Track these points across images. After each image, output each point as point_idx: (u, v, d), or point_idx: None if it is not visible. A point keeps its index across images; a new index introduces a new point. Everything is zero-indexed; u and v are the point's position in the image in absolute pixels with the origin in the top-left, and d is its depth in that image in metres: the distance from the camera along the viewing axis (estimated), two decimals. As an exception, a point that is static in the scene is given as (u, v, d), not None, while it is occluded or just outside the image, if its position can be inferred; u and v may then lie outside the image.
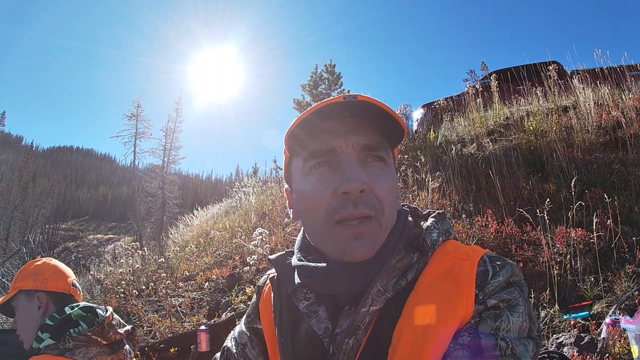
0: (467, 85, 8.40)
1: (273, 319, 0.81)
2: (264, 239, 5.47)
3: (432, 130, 7.66)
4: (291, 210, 0.83)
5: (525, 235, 4.04)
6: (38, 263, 1.61)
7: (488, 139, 6.38)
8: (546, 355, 1.98)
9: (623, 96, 6.29)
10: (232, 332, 0.97)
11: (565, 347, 2.73)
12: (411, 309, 0.65)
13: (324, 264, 0.72)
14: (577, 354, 2.61)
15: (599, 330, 2.82)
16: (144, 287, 6.02)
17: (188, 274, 6.22)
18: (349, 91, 17.79)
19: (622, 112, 5.68)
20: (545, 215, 3.68)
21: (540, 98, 6.75)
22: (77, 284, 1.65)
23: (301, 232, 0.85)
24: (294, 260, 0.79)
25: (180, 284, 5.96)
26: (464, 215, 4.57)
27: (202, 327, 4.04)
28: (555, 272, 3.40)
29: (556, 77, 6.61)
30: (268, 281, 0.90)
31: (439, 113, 8.41)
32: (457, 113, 7.88)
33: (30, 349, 1.41)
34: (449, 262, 0.69)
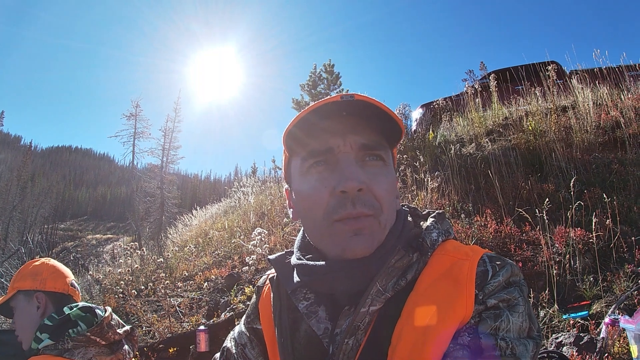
0: (466, 85, 8.40)
1: (273, 319, 0.81)
2: (262, 239, 5.47)
3: (431, 130, 7.67)
4: (291, 210, 0.84)
5: (524, 235, 4.04)
6: (37, 263, 1.61)
7: (487, 139, 6.39)
8: (546, 355, 1.98)
9: (622, 96, 6.30)
10: (231, 332, 0.97)
11: (565, 347, 2.74)
12: (411, 309, 0.64)
13: (323, 263, 0.72)
14: (576, 353, 2.61)
15: (598, 329, 2.83)
16: (142, 287, 6.01)
17: (187, 274, 6.21)
18: (347, 91, 17.79)
19: (621, 112, 5.69)
20: (544, 215, 3.68)
21: (539, 98, 6.76)
22: (76, 284, 1.65)
23: (301, 231, 0.85)
24: (293, 260, 0.79)
25: (179, 284, 5.95)
26: (463, 215, 4.57)
27: (201, 327, 4.04)
28: (555, 271, 3.40)
29: (555, 77, 6.62)
30: (267, 281, 0.89)
31: (438, 113, 8.42)
32: (456, 113, 7.89)
33: (29, 350, 1.41)
34: (448, 262, 0.69)
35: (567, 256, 3.57)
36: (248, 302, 4.34)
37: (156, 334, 4.52)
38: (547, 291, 3.27)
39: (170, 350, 4.17)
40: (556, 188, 4.67)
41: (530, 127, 6.04)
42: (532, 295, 3.31)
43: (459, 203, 5.00)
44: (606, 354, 2.59)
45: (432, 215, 0.80)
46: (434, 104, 8.81)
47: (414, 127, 9.19)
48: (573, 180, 3.96)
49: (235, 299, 4.81)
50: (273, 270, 0.88)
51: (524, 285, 0.67)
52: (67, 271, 1.65)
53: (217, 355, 0.96)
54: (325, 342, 0.70)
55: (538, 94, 6.77)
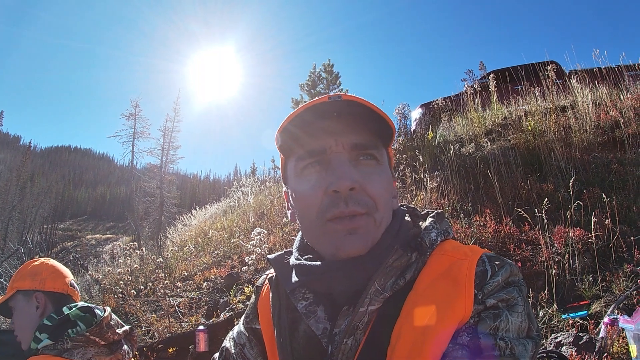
0: (466, 85, 8.40)
1: (272, 319, 0.81)
2: (262, 239, 5.47)
3: (430, 130, 7.67)
4: (289, 212, 0.84)
5: (523, 234, 4.05)
6: (36, 263, 1.61)
7: (486, 139, 6.39)
8: (545, 355, 1.99)
9: (621, 96, 6.31)
10: (230, 332, 0.97)
11: (564, 347, 2.74)
12: (410, 308, 0.64)
13: (319, 263, 0.73)
14: (575, 353, 2.61)
15: (597, 329, 2.83)
16: (142, 287, 6.00)
17: (186, 274, 6.21)
18: (347, 91, 17.83)
19: (620, 112, 5.69)
20: (543, 214, 3.69)
21: (539, 98, 6.77)
22: (75, 284, 1.65)
23: (300, 232, 0.85)
24: (292, 260, 0.79)
25: (179, 284, 5.95)
26: (462, 215, 4.57)
27: (201, 327, 4.04)
28: (554, 271, 3.40)
29: (554, 77, 6.62)
30: (266, 281, 0.89)
31: (438, 113, 8.42)
32: (455, 113, 7.89)
33: (29, 350, 1.41)
34: (447, 262, 0.69)
35: (567, 256, 3.57)
36: (247, 302, 4.34)
37: (155, 333, 4.52)
38: (546, 291, 3.28)
39: (170, 350, 4.17)
40: (555, 188, 4.67)
41: (529, 127, 6.05)
42: (531, 295, 3.31)
43: (458, 203, 5.00)
44: (605, 354, 2.60)
45: (431, 215, 0.80)
46: (434, 103, 8.81)
47: (413, 127, 9.18)
48: (572, 180, 3.96)
49: (234, 299, 4.81)
50: (272, 270, 0.88)
51: (523, 285, 0.68)
52: (66, 271, 1.65)
53: (216, 355, 0.96)
54: (324, 342, 0.69)
55: (537, 93, 6.77)
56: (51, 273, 1.58)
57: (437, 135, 7.32)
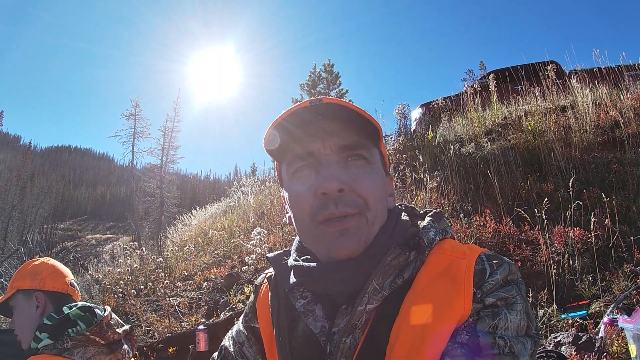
0: (466, 85, 8.39)
1: (270, 317, 0.81)
2: (262, 239, 5.46)
3: (430, 129, 7.66)
4: (287, 214, 0.85)
5: (523, 234, 4.05)
6: (36, 263, 1.61)
7: (486, 139, 6.39)
8: (544, 355, 1.99)
9: (621, 96, 6.30)
10: (229, 331, 0.97)
11: (563, 346, 2.74)
12: (409, 307, 0.65)
13: (316, 264, 0.73)
14: (575, 353, 2.61)
15: (596, 329, 2.83)
16: (142, 286, 6.01)
17: (186, 274, 6.21)
18: (347, 91, 17.83)
19: (620, 111, 5.69)
20: (543, 214, 3.69)
21: (539, 98, 6.76)
22: (75, 284, 1.65)
23: None
24: (290, 261, 0.80)
25: (179, 284, 5.95)
26: (462, 215, 4.57)
27: (201, 327, 4.04)
28: (553, 271, 3.40)
29: (554, 77, 6.62)
30: (265, 280, 0.90)
31: (438, 113, 8.41)
32: (455, 113, 7.88)
33: (29, 349, 1.41)
34: (446, 260, 0.69)
35: (566, 256, 3.57)
36: (247, 302, 4.33)
37: (155, 333, 4.53)
38: (545, 291, 3.28)
39: (170, 350, 4.17)
40: (555, 188, 4.67)
41: (529, 127, 6.05)
42: (530, 294, 3.31)
43: (458, 203, 5.00)
44: (605, 354, 2.60)
45: (430, 214, 0.81)
46: (434, 103, 8.80)
47: (413, 127, 9.18)
48: (572, 179, 3.96)
49: (234, 298, 4.81)
50: (271, 270, 0.89)
51: (522, 284, 0.68)
52: (66, 271, 1.65)
53: (215, 354, 0.96)
54: (322, 341, 0.70)
55: (537, 93, 6.77)
56: (51, 273, 1.58)
57: (437, 135, 7.32)
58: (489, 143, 6.20)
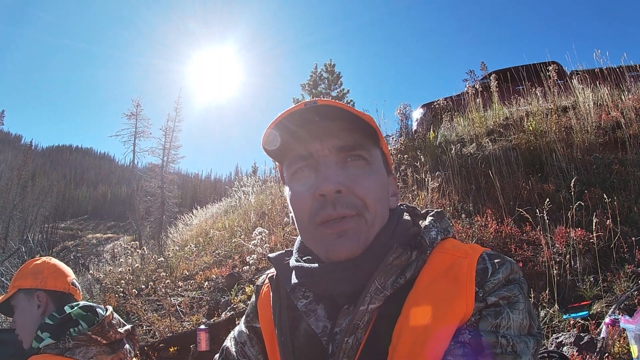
0: (467, 85, 8.40)
1: (272, 318, 0.81)
2: (263, 239, 5.46)
3: (431, 130, 7.66)
4: (290, 214, 0.85)
5: (524, 235, 4.04)
6: (38, 262, 1.61)
7: (487, 139, 6.38)
8: (546, 355, 1.98)
9: (622, 97, 6.30)
10: (231, 332, 0.97)
11: (565, 347, 2.73)
12: (411, 307, 0.65)
13: (317, 265, 0.73)
14: (576, 353, 2.61)
15: (598, 330, 2.83)
16: (143, 286, 6.01)
17: (187, 273, 6.22)
18: (348, 91, 17.83)
19: (622, 112, 5.68)
20: (544, 215, 3.68)
21: (540, 98, 6.75)
22: (77, 283, 1.65)
23: None
24: (292, 262, 0.80)
25: (180, 283, 5.95)
26: (463, 215, 4.57)
27: (202, 327, 4.04)
28: (555, 272, 3.40)
29: (556, 78, 6.61)
30: (267, 280, 0.90)
31: (439, 113, 8.40)
32: (456, 113, 7.88)
33: (30, 349, 1.41)
34: (448, 260, 0.70)
35: (568, 256, 3.57)
36: (248, 302, 4.33)
37: (157, 333, 4.53)
38: (547, 291, 3.27)
39: (171, 350, 4.17)
40: (557, 188, 4.66)
41: (530, 128, 6.04)
42: (532, 295, 3.31)
43: (459, 203, 5.00)
44: (606, 354, 2.59)
45: (431, 214, 0.81)
46: (435, 103, 8.80)
47: (414, 127, 9.17)
48: (573, 180, 3.96)
49: (235, 298, 4.81)
50: (273, 270, 0.89)
51: (524, 283, 0.68)
52: (68, 270, 1.65)
53: (217, 356, 0.96)
54: (323, 341, 0.70)
55: (539, 94, 6.76)
56: (53, 272, 1.58)
57: (439, 136, 7.31)
58: (490, 143, 6.19)
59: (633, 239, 3.60)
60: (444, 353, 0.60)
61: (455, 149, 5.90)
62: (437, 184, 5.28)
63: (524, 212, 3.94)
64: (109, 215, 79.21)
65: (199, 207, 12.69)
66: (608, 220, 3.65)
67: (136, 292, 5.47)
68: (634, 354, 2.39)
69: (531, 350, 0.60)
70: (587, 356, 2.58)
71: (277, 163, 0.85)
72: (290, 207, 0.81)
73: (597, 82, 6.81)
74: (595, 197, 4.17)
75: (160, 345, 4.23)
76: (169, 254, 7.51)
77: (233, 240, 6.76)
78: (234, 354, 0.90)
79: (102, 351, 1.40)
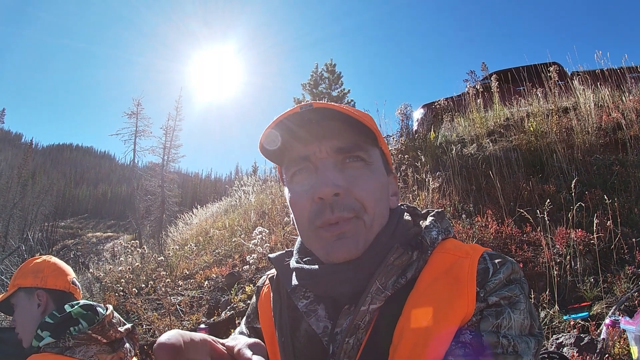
0: (468, 86, 8.39)
1: (272, 318, 0.81)
2: (263, 238, 5.46)
3: (432, 130, 7.65)
4: (291, 216, 0.85)
5: (525, 235, 4.04)
6: (38, 261, 1.61)
7: (488, 140, 6.38)
8: (546, 356, 1.98)
9: (623, 98, 6.29)
10: (232, 333, 0.97)
11: (565, 348, 2.73)
12: (412, 307, 0.64)
13: (318, 266, 0.73)
14: (577, 354, 2.61)
15: (598, 331, 2.83)
16: (143, 285, 6.01)
17: (187, 273, 6.22)
18: (349, 91, 17.83)
19: (622, 113, 5.68)
20: (545, 216, 3.68)
21: (541, 99, 6.75)
22: (77, 282, 1.65)
23: None
24: (292, 263, 0.80)
25: (180, 283, 5.95)
26: (464, 216, 4.57)
27: (202, 326, 4.05)
28: (555, 272, 3.40)
29: (556, 78, 6.61)
30: (267, 281, 0.90)
31: (439, 113, 8.41)
32: (457, 113, 7.88)
33: (30, 347, 1.40)
34: (449, 260, 0.69)
35: (568, 257, 3.57)
36: (248, 301, 4.33)
37: (156, 332, 4.53)
38: (547, 292, 3.27)
39: (171, 349, 4.16)
40: (557, 189, 4.66)
41: (531, 128, 6.04)
42: (532, 295, 3.31)
43: (460, 203, 5.00)
44: (607, 355, 2.59)
45: (432, 214, 0.80)
46: (436, 104, 8.80)
47: (415, 127, 9.17)
48: (574, 181, 3.96)
49: (235, 297, 4.81)
50: (273, 270, 0.88)
51: (525, 283, 0.68)
52: (68, 269, 1.65)
53: None
54: (324, 341, 0.70)
55: (539, 95, 6.76)
56: (53, 271, 1.57)
57: (439, 136, 7.31)
58: (491, 144, 6.19)
59: (633, 240, 3.60)
60: (445, 353, 0.60)
61: (455, 150, 5.90)
62: (438, 184, 5.28)
63: (525, 213, 3.94)
64: (109, 214, 79.23)
65: (199, 206, 12.69)
66: (608, 222, 3.65)
67: (136, 291, 5.47)
68: (634, 355, 2.39)
69: (532, 350, 0.60)
70: (587, 357, 2.58)
71: (278, 165, 0.85)
72: (290, 209, 0.81)
73: (598, 83, 6.80)
74: (595, 198, 4.17)
75: (160, 344, 4.23)
76: (169, 253, 7.51)
77: (233, 240, 6.76)
78: None
79: (102, 350, 1.40)
